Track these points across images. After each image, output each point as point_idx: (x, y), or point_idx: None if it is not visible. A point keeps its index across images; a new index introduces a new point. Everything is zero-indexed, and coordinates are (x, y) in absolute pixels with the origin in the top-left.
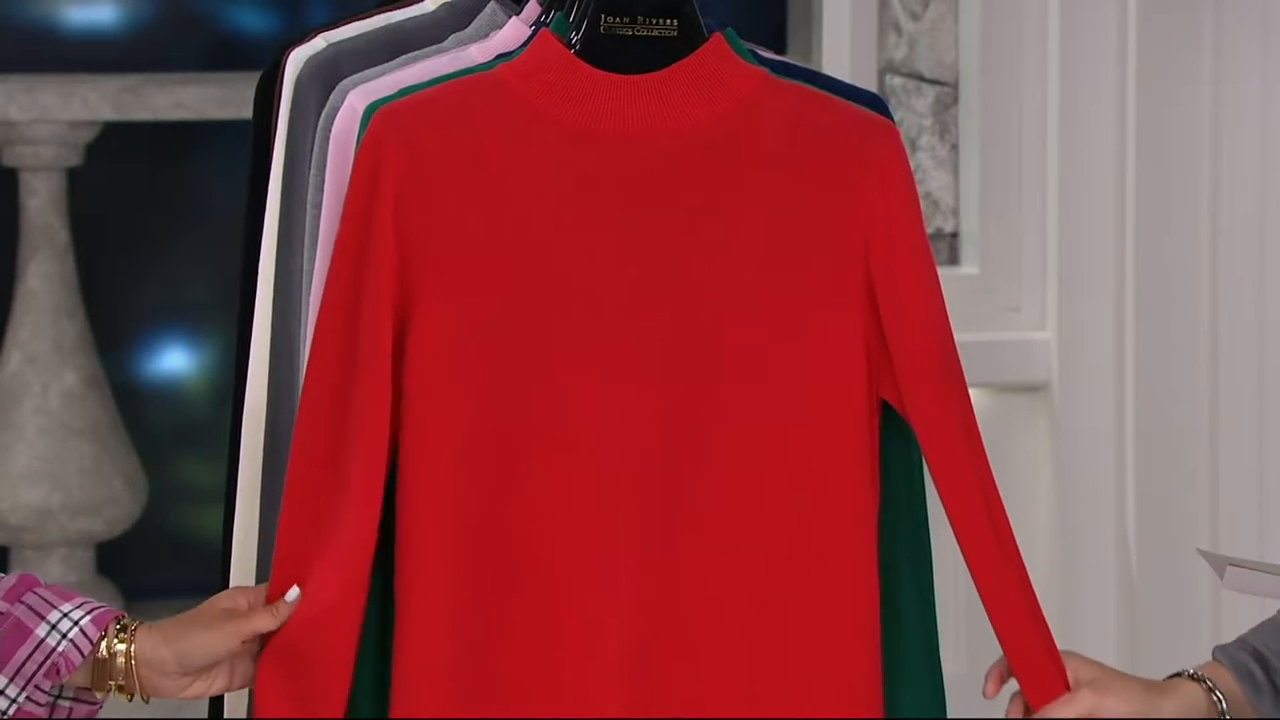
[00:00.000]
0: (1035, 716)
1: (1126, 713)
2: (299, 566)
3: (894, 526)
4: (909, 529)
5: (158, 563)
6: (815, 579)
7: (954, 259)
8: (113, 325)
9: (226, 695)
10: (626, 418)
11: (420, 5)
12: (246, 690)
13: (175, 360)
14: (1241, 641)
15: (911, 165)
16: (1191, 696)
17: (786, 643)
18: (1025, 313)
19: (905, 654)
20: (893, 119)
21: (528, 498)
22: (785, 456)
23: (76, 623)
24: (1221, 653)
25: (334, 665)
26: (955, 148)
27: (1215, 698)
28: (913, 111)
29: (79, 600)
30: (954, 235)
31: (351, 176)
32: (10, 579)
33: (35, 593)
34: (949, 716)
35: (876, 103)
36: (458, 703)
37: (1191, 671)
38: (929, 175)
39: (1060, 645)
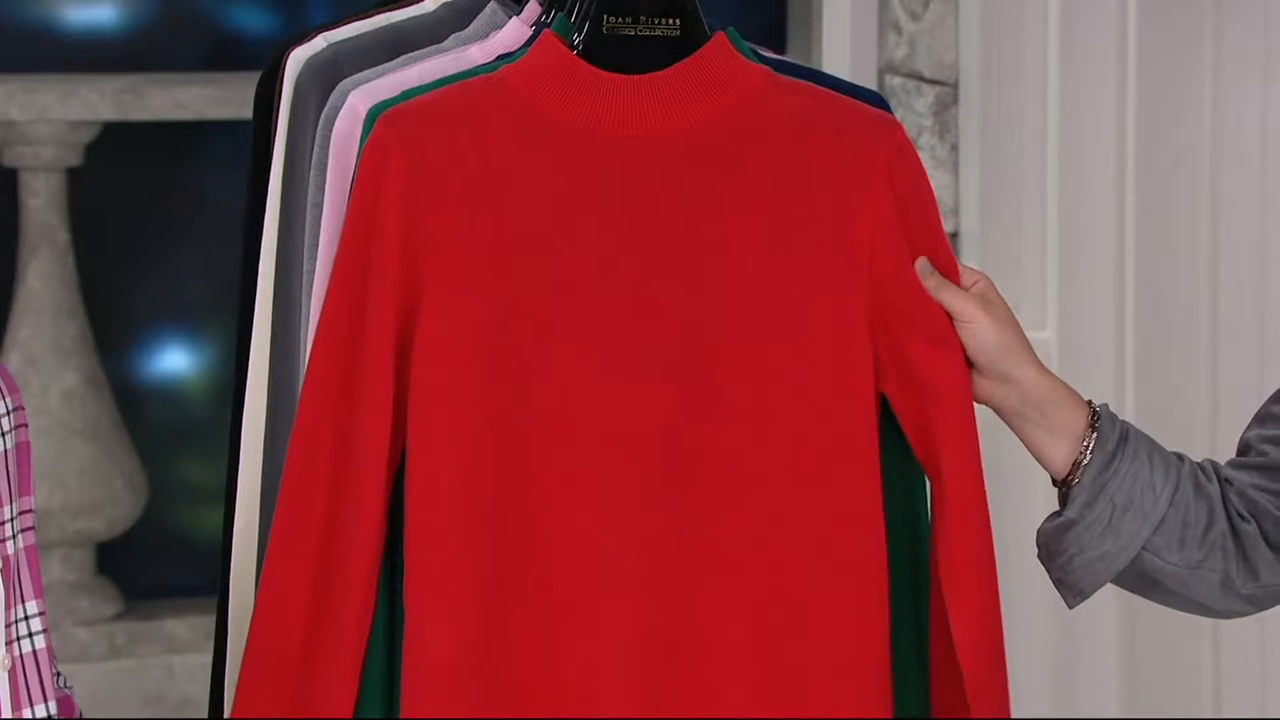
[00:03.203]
0: (929, 279)
1: (991, 345)
2: (295, 569)
3: (897, 523)
4: (912, 525)
5: (158, 563)
6: (824, 575)
7: None
8: (113, 325)
9: (226, 695)
10: (632, 416)
11: (420, 5)
12: None
13: (175, 360)
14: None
15: (919, 156)
16: (1067, 411)
17: (795, 639)
18: (1025, 313)
19: (910, 653)
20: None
21: (534, 497)
22: (791, 453)
23: None
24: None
25: (341, 666)
26: (955, 148)
27: (1090, 436)
28: (913, 111)
29: None
30: (954, 235)
31: (356, 179)
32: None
33: None
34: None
35: (878, 101)
36: (468, 703)
37: (1097, 404)
38: (929, 175)
39: (1060, 645)
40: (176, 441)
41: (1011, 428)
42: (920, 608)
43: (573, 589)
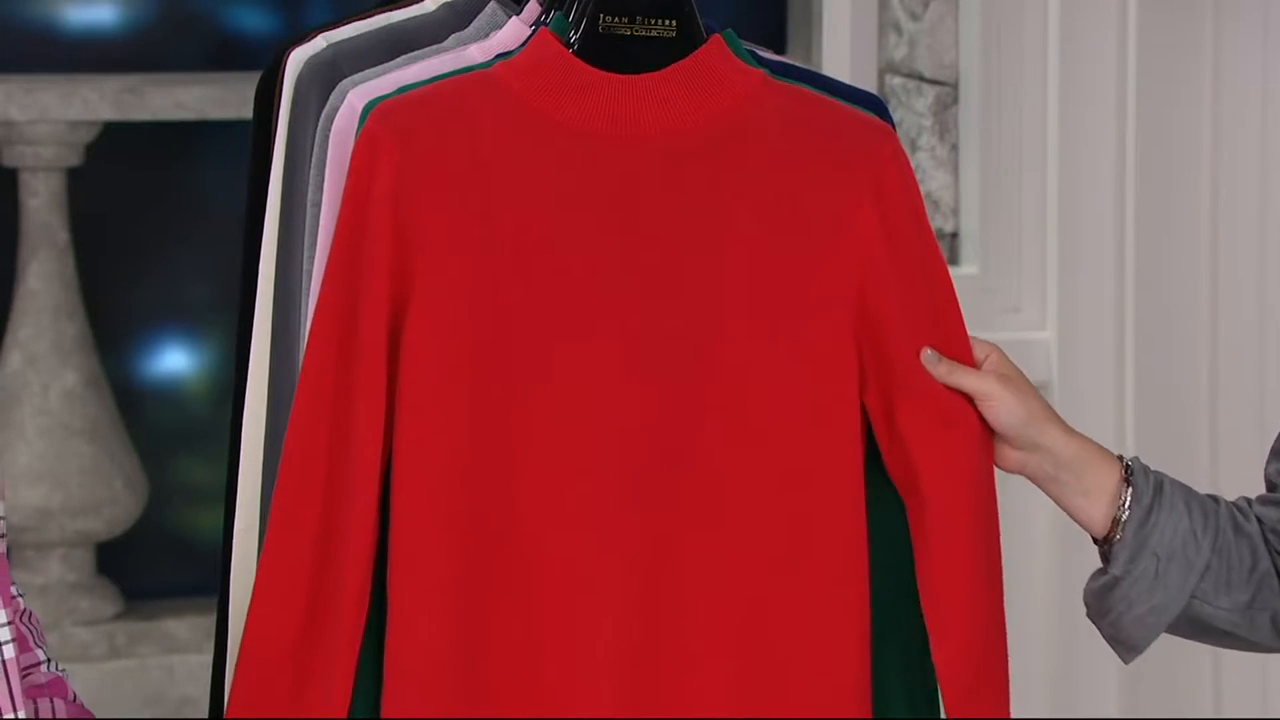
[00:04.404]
0: (939, 367)
1: (1017, 419)
2: (290, 565)
3: (886, 526)
4: (901, 528)
5: (158, 563)
6: (805, 579)
7: (954, 259)
8: (113, 325)
9: (226, 695)
10: (619, 418)
11: (420, 5)
12: None
13: (175, 360)
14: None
15: (911, 166)
16: (1099, 469)
17: (776, 644)
18: (1025, 313)
19: (896, 655)
20: (892, 120)
21: (518, 497)
22: (777, 458)
23: None
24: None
25: (337, 663)
26: (955, 148)
27: (1126, 492)
28: (913, 111)
29: None
30: (954, 235)
31: (348, 173)
32: (46, 676)
33: (53, 701)
34: (944, 717)
35: (875, 104)
36: (450, 703)
37: (1131, 460)
38: (929, 175)
39: (1060, 646)
40: (176, 441)
41: (1047, 493)
42: (907, 612)
43: (554, 589)
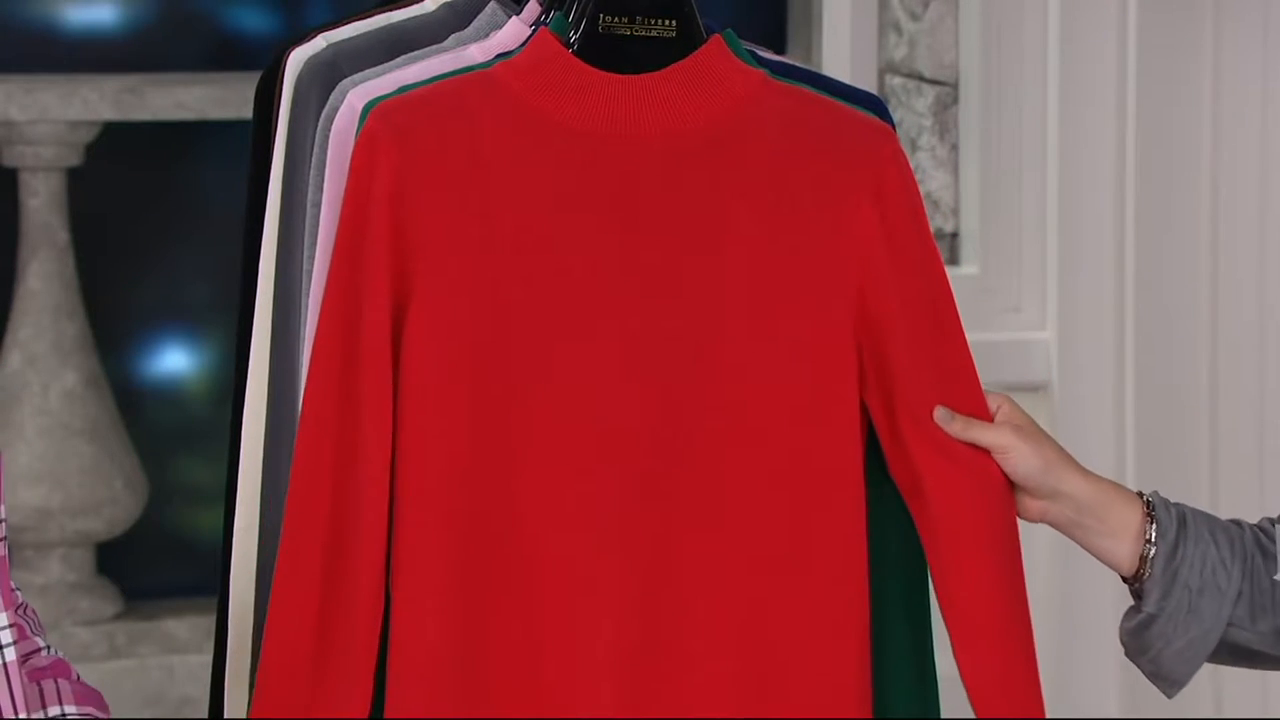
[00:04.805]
0: (953, 425)
1: (1034, 469)
2: (306, 568)
3: (887, 525)
4: (902, 528)
5: (158, 563)
6: (805, 579)
7: (954, 259)
8: (113, 325)
9: (227, 695)
10: (619, 418)
11: (420, 5)
12: (246, 690)
13: (175, 360)
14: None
15: (911, 166)
16: (1120, 509)
17: (776, 643)
18: (1025, 313)
19: (897, 654)
20: (892, 120)
21: (520, 497)
22: (777, 457)
23: None
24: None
25: (358, 668)
26: (955, 148)
27: (1150, 529)
28: (913, 111)
29: (87, 709)
30: (954, 235)
31: (348, 173)
32: (47, 659)
33: (57, 682)
34: (943, 717)
35: (875, 104)
36: (451, 703)
37: (1151, 495)
38: (929, 175)
39: (1060, 646)
40: (176, 441)
41: (1072, 538)
42: (919, 612)
43: (554, 589)
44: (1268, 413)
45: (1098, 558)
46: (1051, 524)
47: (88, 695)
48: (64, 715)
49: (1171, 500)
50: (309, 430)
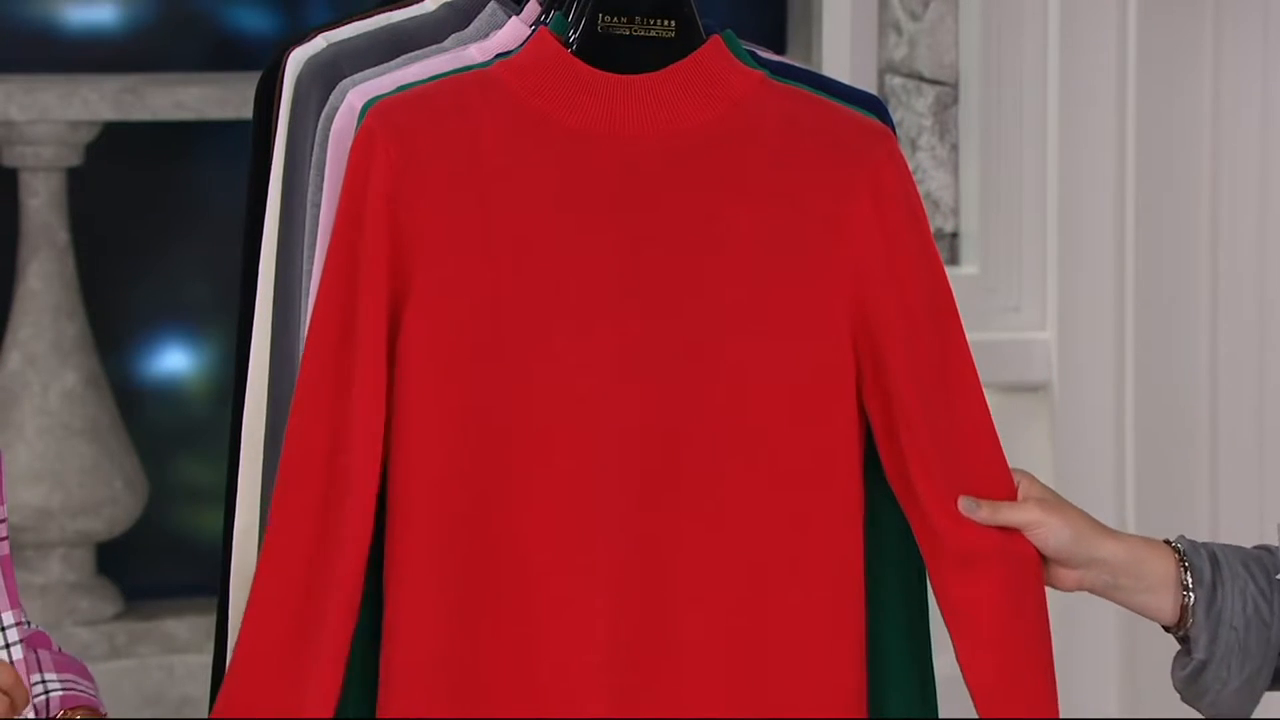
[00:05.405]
0: (979, 512)
1: (1066, 540)
2: (288, 563)
3: (884, 525)
4: (899, 528)
5: (158, 563)
6: (801, 580)
7: (954, 259)
8: (113, 325)
9: None
10: (617, 418)
11: (420, 5)
12: None
13: (175, 360)
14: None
15: (911, 166)
16: (1154, 563)
17: (770, 643)
18: (1025, 313)
19: (895, 655)
20: (891, 121)
21: (514, 497)
22: (772, 457)
23: (47, 693)
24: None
25: (327, 662)
26: (955, 148)
27: (1186, 577)
28: (913, 111)
29: (68, 676)
30: (954, 235)
31: (346, 172)
32: (26, 631)
33: (36, 652)
34: (942, 718)
35: (875, 104)
36: (446, 703)
37: (1179, 542)
38: (929, 175)
39: (1060, 646)
40: (176, 441)
41: (1111, 600)
42: (917, 612)
43: (549, 589)
44: (1268, 413)
45: (1139, 613)
46: (1089, 590)
47: (68, 664)
48: (44, 681)
49: (1200, 541)
50: (299, 421)
